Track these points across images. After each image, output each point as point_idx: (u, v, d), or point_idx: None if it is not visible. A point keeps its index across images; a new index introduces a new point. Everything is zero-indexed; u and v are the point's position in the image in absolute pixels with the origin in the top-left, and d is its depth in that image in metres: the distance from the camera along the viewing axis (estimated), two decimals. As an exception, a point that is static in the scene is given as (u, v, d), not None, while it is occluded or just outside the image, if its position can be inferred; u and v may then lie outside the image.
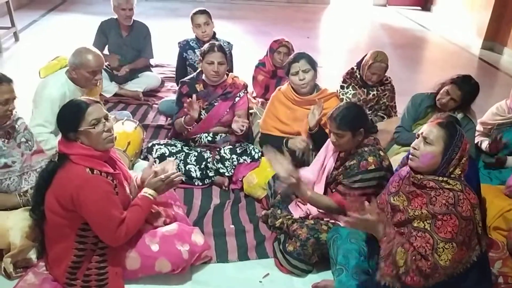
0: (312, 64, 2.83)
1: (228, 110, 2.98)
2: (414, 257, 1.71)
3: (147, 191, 2.03)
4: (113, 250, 1.95)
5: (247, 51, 5.28)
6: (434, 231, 1.71)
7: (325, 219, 2.30)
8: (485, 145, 2.94)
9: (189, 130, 2.93)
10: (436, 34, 7.64)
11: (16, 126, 2.23)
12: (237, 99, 2.99)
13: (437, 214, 1.71)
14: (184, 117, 2.89)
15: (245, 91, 3.06)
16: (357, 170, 2.18)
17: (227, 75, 3.03)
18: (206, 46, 2.93)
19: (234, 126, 2.85)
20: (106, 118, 1.92)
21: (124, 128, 2.99)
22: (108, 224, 1.84)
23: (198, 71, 3.02)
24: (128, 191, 2.02)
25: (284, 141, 2.84)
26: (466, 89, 2.74)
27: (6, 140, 2.16)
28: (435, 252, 1.68)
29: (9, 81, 2.12)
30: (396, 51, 6.22)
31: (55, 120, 1.94)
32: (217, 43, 2.96)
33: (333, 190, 2.32)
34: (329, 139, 2.44)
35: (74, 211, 1.83)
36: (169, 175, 2.06)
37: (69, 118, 1.86)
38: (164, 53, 5.04)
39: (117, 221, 1.85)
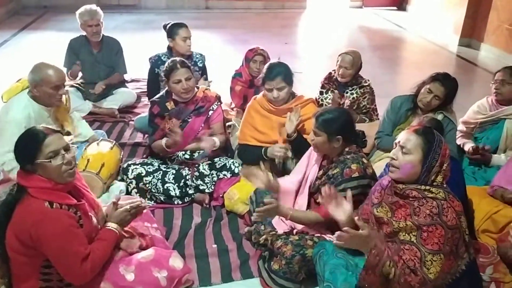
0: (288, 80, 2.74)
1: (203, 125, 2.88)
2: (403, 271, 1.64)
3: (110, 225, 1.93)
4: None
5: (227, 60, 5.19)
6: (420, 243, 1.65)
7: (310, 234, 2.21)
8: (468, 147, 2.89)
9: (170, 153, 2.85)
10: (413, 33, 7.67)
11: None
12: (210, 112, 2.90)
13: (422, 226, 1.65)
14: (166, 140, 2.78)
15: (218, 103, 2.96)
16: (340, 179, 2.12)
17: (198, 88, 2.92)
18: (167, 65, 2.79)
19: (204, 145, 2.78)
20: (67, 149, 1.79)
21: (100, 148, 2.88)
22: (70, 261, 1.72)
23: (166, 89, 2.90)
24: (95, 221, 1.90)
25: (263, 150, 2.75)
26: (449, 85, 2.70)
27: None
28: (423, 265, 1.62)
29: None
30: (375, 53, 6.21)
31: None
32: (178, 59, 2.85)
33: (317, 201, 2.24)
34: (310, 148, 2.38)
35: (34, 248, 1.71)
36: (134, 206, 1.98)
37: (25, 149, 1.73)
38: (140, 67, 4.91)
39: (81, 256, 1.73)
